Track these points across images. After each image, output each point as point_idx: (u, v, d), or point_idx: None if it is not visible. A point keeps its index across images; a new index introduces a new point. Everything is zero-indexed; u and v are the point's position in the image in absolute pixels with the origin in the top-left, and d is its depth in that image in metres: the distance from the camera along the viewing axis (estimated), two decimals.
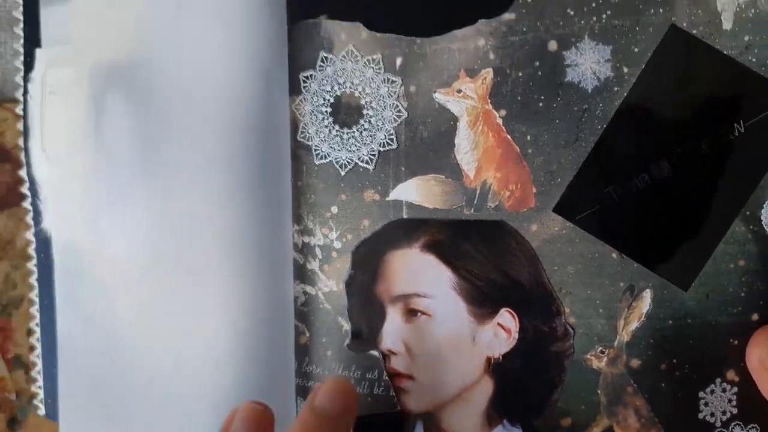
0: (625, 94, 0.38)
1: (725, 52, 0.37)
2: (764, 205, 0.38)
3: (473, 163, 0.39)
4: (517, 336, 0.40)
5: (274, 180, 0.40)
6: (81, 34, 0.41)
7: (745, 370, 0.38)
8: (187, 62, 0.40)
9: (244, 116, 0.39)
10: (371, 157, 0.40)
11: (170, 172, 0.40)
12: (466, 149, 0.39)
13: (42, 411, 0.44)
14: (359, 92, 0.40)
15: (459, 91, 0.39)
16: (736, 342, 0.38)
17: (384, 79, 0.40)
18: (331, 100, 0.40)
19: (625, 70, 0.38)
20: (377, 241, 0.40)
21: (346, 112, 0.40)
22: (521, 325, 0.40)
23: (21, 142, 0.43)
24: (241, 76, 0.39)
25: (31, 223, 0.43)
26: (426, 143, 0.40)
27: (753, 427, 0.39)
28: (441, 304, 0.40)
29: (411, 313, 0.40)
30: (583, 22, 0.38)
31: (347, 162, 0.40)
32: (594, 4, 0.38)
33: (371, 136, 0.40)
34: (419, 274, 0.40)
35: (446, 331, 0.40)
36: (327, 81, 0.40)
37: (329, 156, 0.40)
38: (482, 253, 0.40)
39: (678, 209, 0.38)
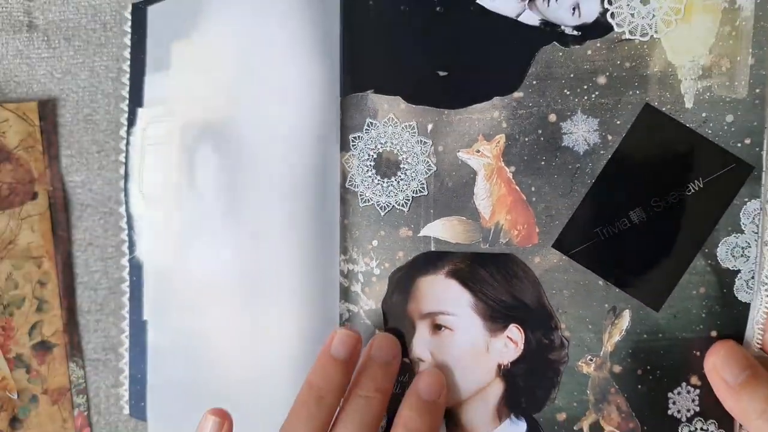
0: (609, 157, 0.40)
1: (687, 125, 0.39)
2: (719, 245, 0.40)
3: (489, 207, 0.41)
4: (522, 346, 0.41)
5: (326, 219, 0.42)
6: (177, 97, 0.43)
7: (706, 376, 0.40)
8: (262, 124, 0.42)
9: (304, 168, 0.42)
10: (406, 201, 0.42)
11: (245, 211, 0.42)
12: (483, 197, 0.41)
13: (126, 411, 0.45)
14: (397, 150, 0.42)
15: (478, 151, 0.41)
16: (698, 353, 0.40)
17: (417, 141, 0.41)
18: (375, 156, 0.42)
19: (609, 138, 0.40)
20: (410, 268, 0.42)
21: (386, 166, 0.42)
22: (526, 337, 0.41)
23: (122, 184, 0.44)
24: (303, 136, 0.41)
25: (127, 251, 0.44)
26: (450, 191, 0.42)
27: (712, 422, 0.40)
28: (461, 321, 0.41)
29: (436, 328, 0.42)
30: (576, 99, 0.40)
31: (386, 205, 0.42)
32: (585, 87, 0.40)
33: (406, 185, 0.42)
34: (444, 295, 0.42)
35: (465, 343, 0.42)
36: (371, 141, 0.42)
37: (371, 200, 0.42)
38: (495, 279, 0.41)
39: (651, 247, 0.40)
